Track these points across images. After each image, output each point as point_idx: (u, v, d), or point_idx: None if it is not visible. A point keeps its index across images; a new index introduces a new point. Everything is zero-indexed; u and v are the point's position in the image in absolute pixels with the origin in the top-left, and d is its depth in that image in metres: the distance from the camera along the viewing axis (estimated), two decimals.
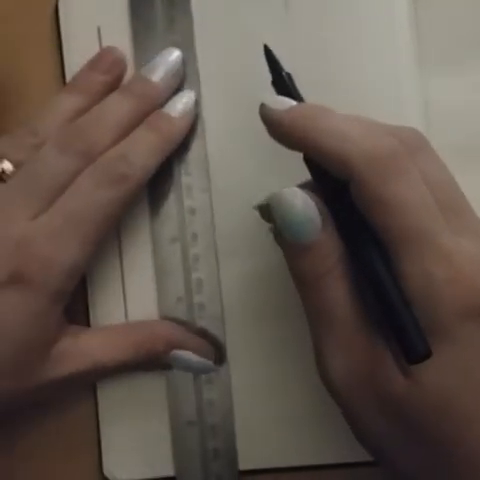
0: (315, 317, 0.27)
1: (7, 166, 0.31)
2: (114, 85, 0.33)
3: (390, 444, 0.26)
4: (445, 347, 0.25)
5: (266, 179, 0.32)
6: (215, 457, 0.33)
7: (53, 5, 0.34)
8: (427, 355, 0.25)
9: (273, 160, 0.32)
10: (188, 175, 0.33)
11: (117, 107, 0.32)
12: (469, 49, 0.34)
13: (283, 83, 0.29)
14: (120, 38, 0.34)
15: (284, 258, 0.28)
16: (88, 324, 0.33)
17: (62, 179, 0.30)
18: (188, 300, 0.33)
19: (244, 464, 0.33)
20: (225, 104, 0.33)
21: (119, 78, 0.33)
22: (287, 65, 0.29)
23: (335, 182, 0.26)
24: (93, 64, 0.33)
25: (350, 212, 0.26)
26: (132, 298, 0.33)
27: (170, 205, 0.33)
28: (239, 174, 0.33)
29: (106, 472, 0.33)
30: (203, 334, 0.33)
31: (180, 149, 0.33)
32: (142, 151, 0.31)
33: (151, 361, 0.32)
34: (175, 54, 0.33)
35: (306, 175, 0.28)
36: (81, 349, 0.31)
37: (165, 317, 0.33)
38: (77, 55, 0.34)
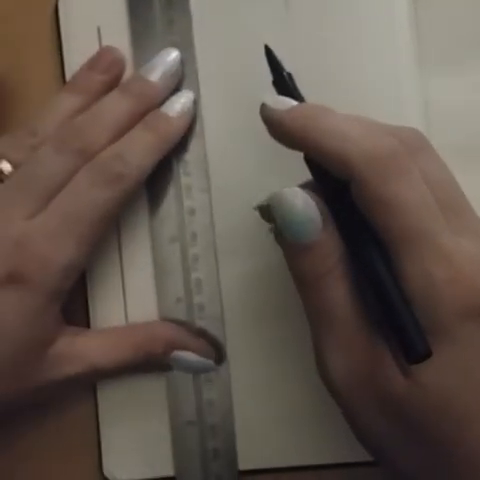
0: (315, 317, 0.27)
1: (6, 166, 0.31)
2: (113, 85, 0.33)
3: (390, 444, 0.26)
4: (445, 347, 0.25)
5: (266, 179, 0.32)
6: (215, 457, 0.33)
7: (53, 5, 0.34)
8: (427, 355, 0.25)
9: (273, 160, 0.32)
10: (187, 175, 0.33)
11: (115, 106, 0.32)
12: (469, 49, 0.34)
13: (284, 83, 0.29)
14: (120, 38, 0.34)
15: (284, 258, 0.28)
16: (88, 325, 0.33)
17: (59, 179, 0.30)
18: (188, 300, 0.33)
19: (244, 464, 0.33)
20: (224, 104, 0.33)
21: (118, 78, 0.33)
22: (287, 65, 0.29)
23: (336, 182, 0.26)
24: (92, 64, 0.33)
25: (351, 212, 0.26)
26: (132, 299, 0.33)
27: (169, 205, 0.33)
28: (238, 174, 0.33)
29: (106, 472, 0.33)
30: (203, 334, 0.33)
31: (179, 149, 0.33)
32: (138, 151, 0.31)
33: (150, 362, 0.32)
34: (174, 54, 0.33)
35: (306, 175, 0.28)
36: (79, 351, 0.31)
37: (164, 318, 0.33)
38: (77, 55, 0.34)
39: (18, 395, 0.30)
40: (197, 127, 0.33)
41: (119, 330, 0.33)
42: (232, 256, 0.33)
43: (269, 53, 0.29)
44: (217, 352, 0.33)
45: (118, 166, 0.30)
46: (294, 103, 0.27)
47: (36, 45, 0.35)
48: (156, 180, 0.33)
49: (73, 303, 0.32)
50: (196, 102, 0.33)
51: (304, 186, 0.27)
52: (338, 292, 0.26)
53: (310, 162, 0.28)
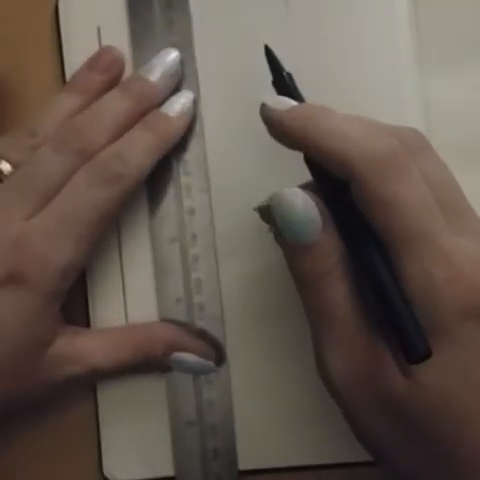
0: (315, 317, 0.27)
1: (5, 167, 0.31)
2: (113, 84, 0.33)
3: (390, 444, 0.26)
4: (445, 347, 0.25)
5: (266, 179, 0.32)
6: (215, 457, 0.33)
7: (53, 5, 0.34)
8: (427, 355, 0.25)
9: (273, 160, 0.32)
10: (187, 175, 0.33)
11: (114, 106, 0.32)
12: (469, 49, 0.34)
13: (284, 83, 0.29)
14: (119, 38, 0.34)
15: (284, 258, 0.28)
16: (88, 325, 0.33)
17: (58, 179, 0.30)
18: (188, 300, 0.33)
19: (244, 464, 0.33)
20: (224, 104, 0.33)
21: (118, 77, 0.33)
22: (287, 65, 0.29)
23: (336, 182, 0.26)
24: (92, 63, 0.33)
25: (351, 212, 0.26)
26: (132, 298, 0.33)
27: (169, 205, 0.33)
28: (238, 174, 0.33)
29: (106, 472, 0.33)
30: (203, 335, 0.33)
31: (179, 149, 0.33)
32: (138, 150, 0.31)
33: (150, 363, 0.32)
34: (173, 54, 0.33)
35: (306, 175, 0.28)
36: (79, 351, 0.31)
37: (164, 318, 0.33)
38: (77, 55, 0.34)
39: (18, 395, 0.30)
40: (197, 127, 0.33)
41: (119, 330, 0.33)
42: (232, 256, 0.33)
43: (269, 53, 0.29)
44: (217, 353, 0.33)
45: (117, 166, 0.30)
46: (294, 103, 0.27)
47: (36, 45, 0.35)
48: (156, 180, 0.33)
49: (73, 303, 0.32)
50: (196, 102, 0.33)
51: (304, 187, 0.27)
52: (338, 292, 0.26)
53: (310, 162, 0.28)
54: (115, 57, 0.33)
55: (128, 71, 0.34)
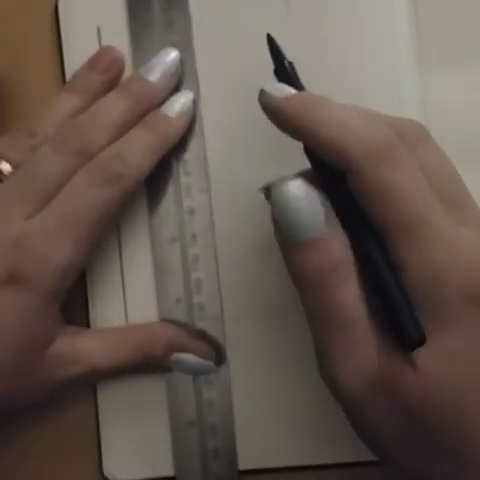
0: (320, 319, 0.26)
1: (5, 167, 0.31)
2: (112, 85, 0.33)
3: (396, 443, 0.26)
4: (449, 335, 0.25)
5: (266, 179, 0.32)
6: (215, 457, 0.33)
7: (53, 5, 0.34)
8: (421, 340, 0.25)
9: (273, 160, 0.32)
10: (187, 175, 0.33)
11: (114, 106, 0.32)
12: (469, 49, 0.34)
13: (285, 72, 0.28)
14: (119, 38, 0.34)
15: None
16: (88, 324, 0.33)
17: (58, 179, 0.30)
18: (188, 300, 0.33)
19: (244, 464, 0.33)
20: (224, 104, 0.33)
21: (117, 78, 0.33)
22: None
23: (334, 173, 0.26)
24: (92, 63, 0.33)
25: (349, 203, 0.26)
26: (132, 299, 0.33)
27: (169, 205, 0.33)
28: (238, 174, 0.33)
29: (106, 472, 0.33)
30: (203, 336, 0.33)
31: (179, 149, 0.33)
32: (138, 150, 0.31)
33: (150, 364, 0.32)
34: (173, 54, 0.33)
35: None
36: (79, 351, 0.31)
37: (164, 318, 0.33)
38: (77, 55, 0.34)
39: (18, 395, 0.30)
40: (197, 127, 0.33)
41: (119, 331, 0.33)
42: (232, 256, 0.33)
43: (271, 42, 0.29)
44: (217, 354, 0.33)
45: (117, 166, 0.30)
46: (293, 91, 0.27)
47: (36, 45, 0.35)
48: (156, 180, 0.33)
49: (73, 302, 0.32)
50: (196, 102, 0.33)
51: (301, 175, 0.27)
52: (347, 291, 0.26)
53: (310, 154, 0.27)
54: (115, 57, 0.33)
55: (128, 71, 0.34)
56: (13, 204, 0.30)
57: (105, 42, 0.34)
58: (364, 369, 0.26)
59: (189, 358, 0.32)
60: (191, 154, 0.33)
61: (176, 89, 0.33)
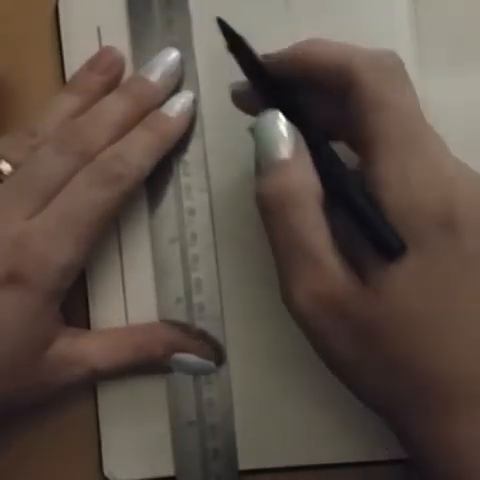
0: (278, 242, 0.27)
1: (5, 167, 0.31)
2: (112, 85, 0.33)
3: (361, 371, 0.26)
4: (414, 259, 0.25)
5: None
6: (215, 457, 0.33)
7: (53, 5, 0.34)
8: (402, 248, 0.25)
9: None
10: (187, 175, 0.33)
11: (114, 107, 0.32)
12: (469, 49, 0.34)
13: (241, 44, 0.29)
14: (119, 38, 0.34)
15: None
16: (88, 324, 0.33)
17: (58, 179, 0.30)
18: (188, 300, 0.33)
19: (244, 464, 0.33)
20: (224, 104, 0.33)
21: (118, 78, 0.33)
22: None
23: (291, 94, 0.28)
24: (92, 64, 0.33)
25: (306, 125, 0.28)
26: (132, 298, 0.33)
27: (169, 205, 0.33)
28: (238, 174, 0.33)
29: (106, 472, 0.33)
30: (203, 336, 0.33)
31: (179, 149, 0.33)
32: (138, 151, 0.31)
33: (151, 364, 0.32)
34: (173, 54, 0.33)
35: None
36: (79, 352, 0.31)
37: (164, 318, 0.33)
38: (77, 55, 0.34)
39: (18, 395, 0.30)
40: (197, 127, 0.33)
41: (119, 332, 0.33)
42: (232, 256, 0.33)
43: (222, 23, 0.30)
44: (217, 354, 0.33)
45: (117, 166, 0.30)
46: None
47: (36, 45, 0.35)
48: (156, 180, 0.33)
49: (73, 302, 0.32)
50: (196, 102, 0.33)
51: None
52: (304, 216, 0.27)
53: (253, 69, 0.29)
54: (115, 57, 0.33)
55: (128, 71, 0.34)
56: (13, 204, 0.30)
57: (105, 42, 0.34)
58: (317, 289, 0.26)
59: (189, 358, 0.32)
60: (191, 154, 0.33)
61: (176, 89, 0.33)
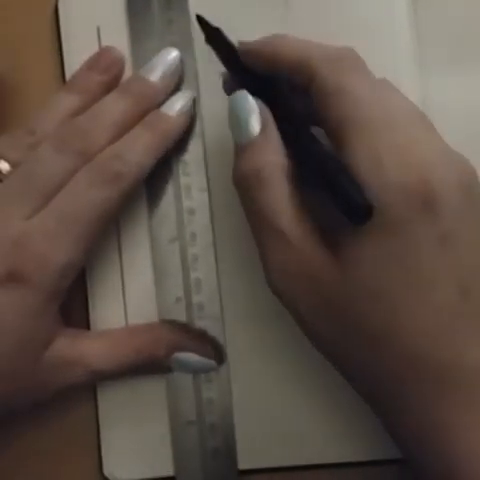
0: (251, 222, 0.28)
1: (4, 166, 0.31)
2: (112, 85, 0.33)
3: (334, 343, 0.27)
4: (382, 236, 0.25)
5: None
6: (215, 457, 0.33)
7: (53, 5, 0.34)
8: (368, 209, 0.25)
9: None
10: (187, 175, 0.33)
11: (114, 106, 0.32)
12: (469, 49, 0.34)
13: (218, 35, 0.31)
14: (119, 38, 0.34)
15: None
16: (88, 324, 0.33)
17: (58, 179, 0.30)
18: (187, 300, 0.33)
19: (244, 464, 0.33)
20: (224, 104, 0.33)
21: (117, 78, 0.33)
22: None
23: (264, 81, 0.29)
24: (92, 64, 0.33)
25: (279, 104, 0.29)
26: (132, 298, 0.33)
27: (169, 205, 0.33)
28: None
29: (106, 472, 0.33)
30: (202, 335, 0.33)
31: (179, 149, 0.33)
32: (137, 149, 0.31)
33: (151, 365, 0.32)
34: (173, 54, 0.33)
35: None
36: (79, 353, 0.31)
37: (164, 317, 0.33)
38: (77, 55, 0.34)
39: (17, 396, 0.30)
40: (197, 127, 0.33)
41: (119, 332, 0.33)
42: (232, 256, 0.33)
43: (200, 19, 0.31)
44: (217, 353, 0.33)
45: (117, 165, 0.30)
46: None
47: (36, 45, 0.35)
48: (155, 180, 0.33)
49: (73, 302, 0.32)
50: (196, 102, 0.33)
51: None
52: (272, 194, 0.27)
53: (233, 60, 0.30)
54: (115, 57, 0.33)
55: (128, 71, 0.34)
56: (13, 203, 0.30)
57: (105, 42, 0.34)
58: (286, 260, 0.27)
59: (190, 357, 0.32)
60: (191, 154, 0.33)
61: (176, 89, 0.33)
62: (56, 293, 0.30)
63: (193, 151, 0.33)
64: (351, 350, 0.27)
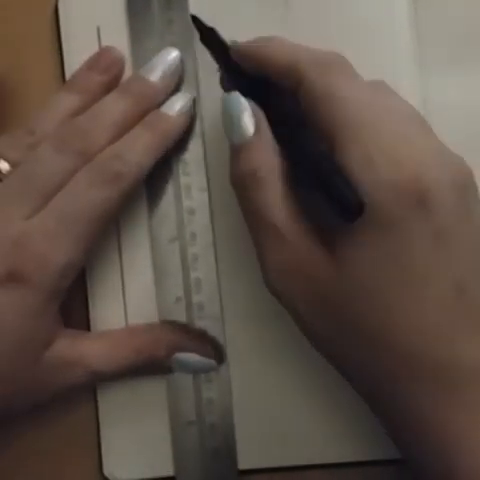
0: (248, 222, 0.29)
1: (4, 165, 0.31)
2: (112, 85, 0.33)
3: (332, 341, 0.27)
4: (378, 235, 0.25)
5: None
6: (215, 457, 0.33)
7: (53, 5, 0.34)
8: (359, 207, 0.25)
9: None
10: (187, 175, 0.33)
11: (114, 106, 0.32)
12: (469, 49, 0.34)
13: (212, 35, 0.31)
14: (119, 38, 0.34)
15: None
16: (88, 324, 0.33)
17: (58, 178, 0.30)
18: (187, 300, 0.33)
19: (244, 464, 0.33)
20: None
21: (117, 78, 0.33)
22: None
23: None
24: (91, 63, 0.33)
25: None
26: (131, 298, 0.33)
27: (169, 205, 0.33)
28: None
29: (106, 472, 0.33)
30: (202, 335, 0.33)
31: (179, 149, 0.33)
32: (137, 149, 0.31)
33: (152, 365, 0.32)
34: (173, 54, 0.33)
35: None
36: (79, 353, 0.31)
37: (164, 318, 0.33)
38: (77, 55, 0.34)
39: (17, 397, 0.30)
40: (196, 127, 0.33)
41: (119, 333, 0.33)
42: (231, 255, 0.33)
43: (195, 20, 0.32)
44: (217, 353, 0.33)
45: (117, 165, 0.30)
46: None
47: (36, 45, 0.35)
48: (155, 180, 0.33)
49: (73, 302, 0.32)
50: (196, 102, 0.33)
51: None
52: (266, 194, 0.27)
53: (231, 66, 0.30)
54: (115, 57, 0.33)
55: (128, 71, 0.34)
56: (13, 203, 0.30)
57: (105, 42, 0.34)
58: (282, 260, 0.27)
59: (191, 358, 0.32)
60: (191, 154, 0.33)
61: (176, 89, 0.33)
62: (56, 293, 0.30)
63: (193, 151, 0.33)
64: (349, 349, 0.27)
